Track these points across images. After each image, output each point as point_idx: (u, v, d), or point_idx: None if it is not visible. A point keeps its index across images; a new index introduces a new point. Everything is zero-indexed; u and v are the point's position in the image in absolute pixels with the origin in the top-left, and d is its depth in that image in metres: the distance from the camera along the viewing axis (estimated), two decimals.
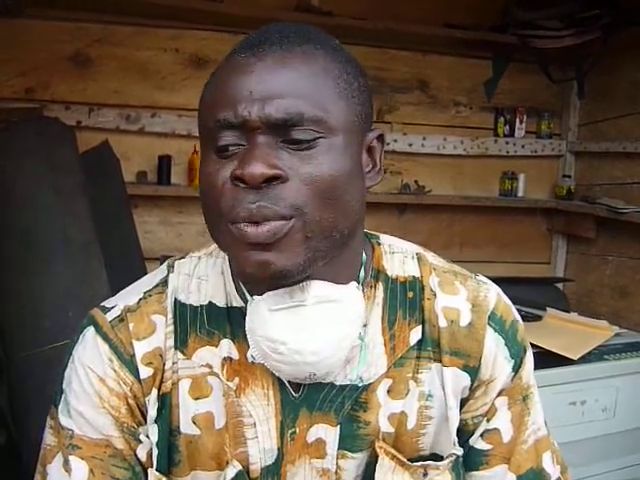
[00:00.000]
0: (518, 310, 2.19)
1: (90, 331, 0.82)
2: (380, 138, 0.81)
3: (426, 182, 3.16)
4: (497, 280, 2.71)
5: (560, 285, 3.28)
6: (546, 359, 1.79)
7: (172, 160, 2.78)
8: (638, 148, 2.91)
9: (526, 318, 2.09)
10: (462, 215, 3.26)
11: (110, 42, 2.70)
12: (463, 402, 0.86)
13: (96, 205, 2.16)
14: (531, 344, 1.86)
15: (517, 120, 3.27)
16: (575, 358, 1.79)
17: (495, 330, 0.85)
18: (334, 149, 0.71)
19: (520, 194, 3.28)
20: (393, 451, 0.82)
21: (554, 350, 1.80)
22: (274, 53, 0.71)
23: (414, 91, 3.16)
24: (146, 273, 0.93)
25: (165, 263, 0.88)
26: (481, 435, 0.87)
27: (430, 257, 0.89)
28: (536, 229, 3.42)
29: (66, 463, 0.79)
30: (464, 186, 3.25)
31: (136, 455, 0.81)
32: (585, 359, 1.83)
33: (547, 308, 2.19)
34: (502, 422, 0.87)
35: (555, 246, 3.44)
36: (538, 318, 2.12)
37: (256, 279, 0.71)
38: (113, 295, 0.89)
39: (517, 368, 0.87)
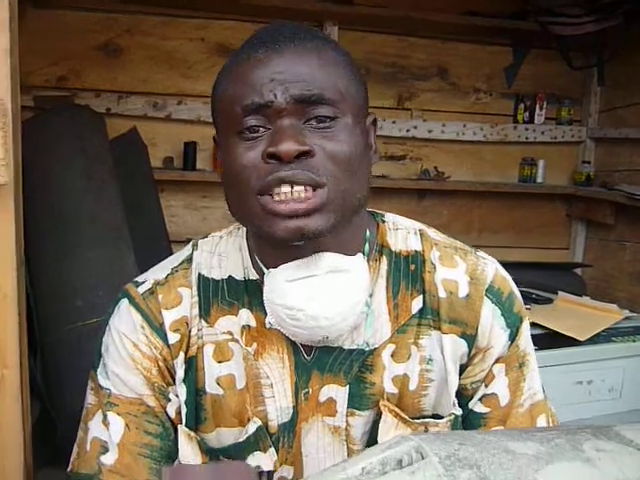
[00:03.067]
0: (530, 293, 2.24)
1: (124, 302, 0.91)
2: (374, 122, 0.89)
3: (445, 168, 3.20)
4: (516, 265, 2.76)
5: (579, 270, 3.32)
6: (554, 340, 1.86)
7: (197, 146, 2.86)
8: None
9: (538, 301, 2.14)
10: (481, 201, 3.30)
11: (139, 32, 2.79)
12: (462, 368, 0.93)
13: (124, 189, 2.25)
14: (540, 325, 1.93)
15: (537, 106, 3.29)
16: (582, 339, 1.84)
17: (492, 301, 0.91)
18: (348, 128, 0.79)
19: (539, 180, 3.30)
20: (396, 409, 0.90)
21: (562, 331, 1.86)
22: (289, 48, 0.78)
23: (434, 78, 3.20)
24: (172, 255, 1.01)
25: (190, 242, 0.97)
26: (480, 399, 0.94)
27: (432, 233, 0.96)
28: (555, 215, 3.45)
29: (105, 419, 0.89)
30: (483, 172, 3.29)
31: (166, 412, 0.90)
32: (593, 340, 1.88)
33: (559, 292, 2.24)
34: (499, 387, 0.93)
35: (574, 232, 3.46)
36: (549, 301, 2.17)
37: (288, 240, 0.78)
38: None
39: (513, 337, 0.92)
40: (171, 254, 1.01)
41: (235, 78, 0.80)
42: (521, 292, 2.22)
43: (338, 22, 2.95)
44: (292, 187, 0.75)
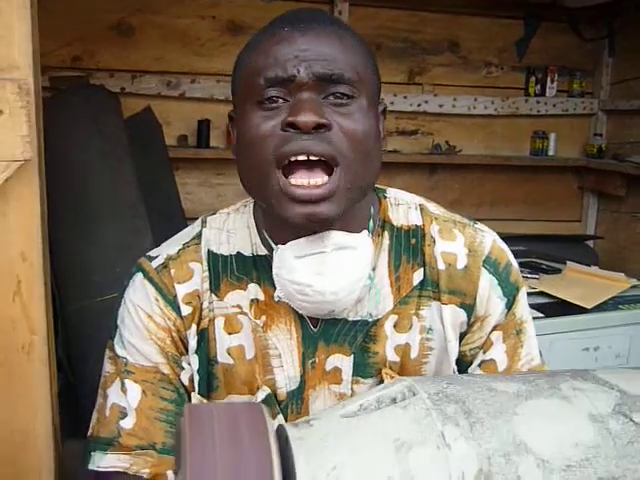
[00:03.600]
0: (539, 264, 2.26)
1: (139, 276, 0.95)
2: (384, 111, 0.92)
3: (457, 142, 3.23)
4: (528, 237, 2.78)
5: (591, 243, 3.35)
6: (562, 308, 1.91)
7: (211, 124, 2.91)
8: None
9: (547, 271, 2.18)
10: (493, 174, 3.32)
11: (151, 11, 2.82)
12: (462, 336, 0.96)
13: (140, 168, 2.29)
14: (549, 295, 1.96)
15: (548, 79, 3.31)
16: (589, 307, 1.88)
17: (489, 272, 0.94)
18: (363, 110, 0.83)
19: (551, 153, 3.32)
20: (396, 376, 0.94)
21: (569, 300, 1.90)
22: (312, 30, 0.81)
23: (445, 52, 3.21)
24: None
25: (199, 219, 1.01)
26: (479, 365, 0.97)
27: (432, 207, 0.99)
28: (567, 187, 3.47)
29: (122, 386, 0.93)
30: (495, 146, 3.31)
31: (180, 380, 0.95)
32: (600, 308, 1.92)
33: (567, 262, 2.28)
34: (497, 353, 0.97)
35: (586, 204, 3.49)
36: (558, 271, 2.21)
37: (301, 226, 0.82)
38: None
39: (510, 305, 0.96)
40: None
41: (259, 52, 0.83)
42: (531, 263, 2.26)
43: None
44: (308, 157, 0.79)
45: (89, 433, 0.95)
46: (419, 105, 3.18)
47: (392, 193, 1.00)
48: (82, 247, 2.08)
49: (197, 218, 1.02)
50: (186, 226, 1.02)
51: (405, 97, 3.15)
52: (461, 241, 0.95)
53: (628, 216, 3.23)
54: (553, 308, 1.89)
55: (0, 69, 0.73)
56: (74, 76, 2.69)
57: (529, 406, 0.44)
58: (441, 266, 0.94)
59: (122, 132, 2.33)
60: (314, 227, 0.84)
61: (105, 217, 2.12)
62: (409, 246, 0.95)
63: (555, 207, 3.45)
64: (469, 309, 0.94)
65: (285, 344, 0.93)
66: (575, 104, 3.36)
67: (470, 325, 0.96)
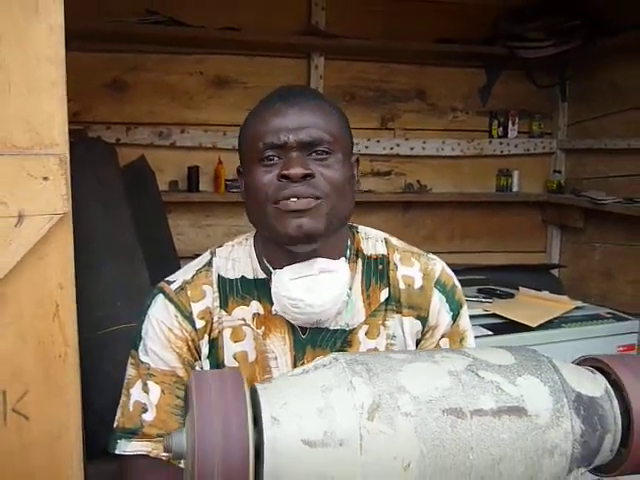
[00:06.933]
0: (495, 290, 2.51)
1: (160, 297, 1.17)
2: (357, 161, 1.18)
3: (428, 181, 3.50)
4: (497, 268, 3.00)
5: (556, 271, 3.60)
6: (511, 327, 2.16)
7: (200, 170, 3.16)
8: (617, 144, 3.22)
9: (501, 296, 2.43)
10: (462, 210, 3.59)
11: (143, 69, 3.09)
12: (418, 342, 1.20)
13: (136, 212, 2.52)
14: (499, 315, 2.20)
15: (510, 122, 3.60)
16: (534, 326, 2.13)
17: (439, 291, 1.19)
18: (339, 161, 1.08)
19: (515, 189, 3.60)
20: None
21: (517, 320, 2.15)
22: (299, 103, 1.07)
23: (414, 100, 3.50)
24: (180, 269, 1.28)
25: (209, 250, 1.24)
26: None
27: (394, 241, 1.24)
28: (531, 220, 3.74)
29: (145, 386, 1.14)
30: (463, 184, 3.58)
31: None
32: (544, 327, 2.17)
33: (520, 288, 2.52)
34: None
35: (550, 236, 3.76)
36: (511, 296, 2.46)
37: (294, 239, 1.05)
38: (153, 286, 1.24)
39: (455, 318, 1.20)
40: (179, 268, 1.28)
41: (258, 122, 1.07)
42: (486, 289, 2.50)
43: (324, 53, 3.26)
44: (298, 199, 1.03)
45: (114, 425, 1.16)
46: (392, 148, 3.46)
47: (362, 229, 1.25)
48: (86, 286, 2.27)
49: (189, 257, 1.25)
50: (179, 264, 1.25)
51: (378, 141, 3.43)
52: (417, 267, 1.20)
53: (587, 246, 3.50)
54: (502, 327, 2.14)
55: (45, 146, 0.98)
56: (73, 130, 2.92)
57: (410, 366, 0.67)
58: (402, 286, 1.18)
59: (119, 180, 2.56)
60: (304, 240, 1.05)
61: (106, 259, 2.32)
62: (377, 271, 1.19)
63: (521, 239, 3.72)
64: (423, 320, 1.18)
65: (280, 349, 1.15)
66: (535, 144, 3.64)
67: (424, 334, 1.19)
